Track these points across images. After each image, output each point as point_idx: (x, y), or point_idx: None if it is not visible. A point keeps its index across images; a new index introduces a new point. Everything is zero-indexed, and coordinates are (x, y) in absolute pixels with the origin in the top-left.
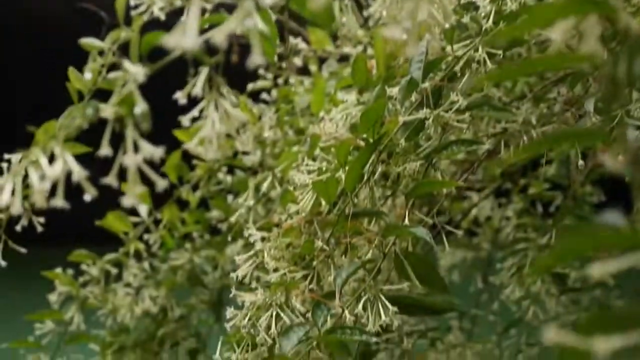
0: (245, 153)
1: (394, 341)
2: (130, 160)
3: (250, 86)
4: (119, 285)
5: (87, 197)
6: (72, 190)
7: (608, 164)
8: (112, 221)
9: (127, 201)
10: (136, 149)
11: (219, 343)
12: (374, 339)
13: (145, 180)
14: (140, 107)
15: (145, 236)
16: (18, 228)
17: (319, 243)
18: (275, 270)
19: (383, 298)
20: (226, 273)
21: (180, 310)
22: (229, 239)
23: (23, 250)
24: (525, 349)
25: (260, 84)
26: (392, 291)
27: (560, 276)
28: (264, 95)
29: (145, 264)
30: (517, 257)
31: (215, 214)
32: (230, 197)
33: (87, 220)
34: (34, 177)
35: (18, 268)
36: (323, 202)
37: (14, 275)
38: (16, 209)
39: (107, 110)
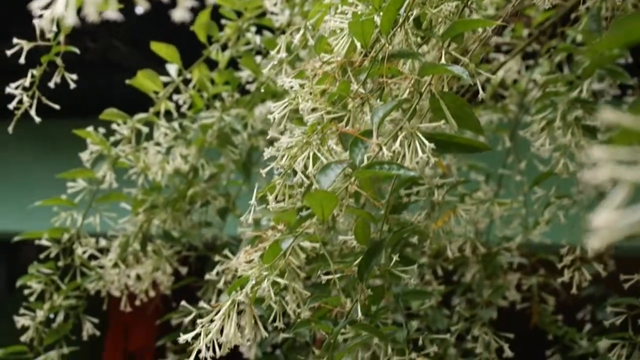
0: (273, 14)
1: (425, 194)
2: None
3: None
4: (150, 144)
5: (139, 11)
6: (103, 66)
7: None
8: (143, 80)
9: (178, 15)
10: None
11: (255, 189)
12: (412, 173)
13: (174, 39)
14: None
15: (175, 97)
16: (52, 85)
17: (354, 86)
18: (312, 111)
19: (420, 135)
20: (255, 133)
21: (210, 169)
22: (258, 99)
23: (56, 106)
24: (555, 201)
25: None
26: (429, 129)
27: (589, 128)
28: None
29: (175, 124)
30: (547, 110)
31: (244, 74)
32: (258, 59)
33: (116, 94)
34: None
35: (52, 132)
36: (358, 47)
37: (48, 138)
38: (70, 19)
39: None
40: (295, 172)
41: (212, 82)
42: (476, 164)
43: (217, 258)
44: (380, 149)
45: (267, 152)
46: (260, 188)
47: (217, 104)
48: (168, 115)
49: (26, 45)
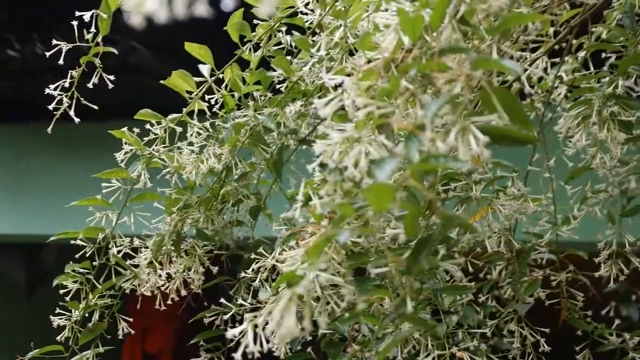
0: (304, 13)
1: (462, 189)
2: None
3: None
4: (184, 144)
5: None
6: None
7: None
8: (177, 80)
9: None
10: None
11: (302, 185)
12: (468, 166)
13: (206, 40)
14: None
15: (207, 97)
16: (90, 85)
17: (403, 81)
18: (363, 107)
19: (474, 128)
20: (287, 132)
21: (242, 168)
22: (289, 98)
23: (94, 107)
24: (591, 196)
25: None
26: (480, 122)
27: (625, 123)
28: None
29: (207, 124)
30: (582, 106)
31: (276, 73)
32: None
33: (148, 98)
34: None
35: (88, 134)
36: (406, 43)
37: (84, 140)
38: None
39: None
40: (345, 167)
41: (244, 81)
42: (501, 161)
43: (252, 256)
44: (434, 142)
45: (318, 147)
46: (293, 187)
47: (250, 103)
48: (200, 115)
49: (65, 47)
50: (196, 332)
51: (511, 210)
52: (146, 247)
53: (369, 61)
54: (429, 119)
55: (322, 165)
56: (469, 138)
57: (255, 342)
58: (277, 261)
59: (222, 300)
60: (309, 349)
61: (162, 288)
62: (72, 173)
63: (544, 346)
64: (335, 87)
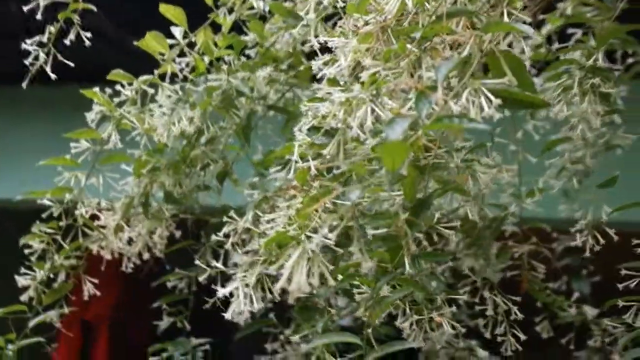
0: None
1: (445, 157)
2: None
3: None
4: (155, 106)
5: None
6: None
7: None
8: (150, 42)
9: None
10: None
11: (295, 147)
12: (483, 126)
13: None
14: None
15: (178, 59)
16: (67, 42)
17: (408, 45)
18: (368, 69)
19: (486, 90)
20: (256, 98)
21: (213, 132)
22: (260, 63)
23: (71, 64)
24: (570, 166)
25: None
26: (491, 85)
27: (605, 95)
28: None
29: (177, 87)
30: (563, 77)
31: (249, 37)
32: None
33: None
34: None
35: (60, 94)
36: (409, 5)
37: (55, 99)
38: None
39: None
40: (349, 127)
41: (216, 45)
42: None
43: (224, 219)
44: (446, 103)
45: (323, 108)
46: (260, 153)
47: (224, 67)
48: (170, 78)
49: (42, 2)
50: (134, 300)
51: (488, 178)
52: (109, 210)
53: (366, 24)
54: (441, 81)
55: (311, 129)
56: (480, 100)
57: (245, 302)
58: (252, 224)
59: (197, 262)
60: (272, 315)
61: (124, 251)
62: (38, 136)
63: (516, 314)
64: (323, 51)
